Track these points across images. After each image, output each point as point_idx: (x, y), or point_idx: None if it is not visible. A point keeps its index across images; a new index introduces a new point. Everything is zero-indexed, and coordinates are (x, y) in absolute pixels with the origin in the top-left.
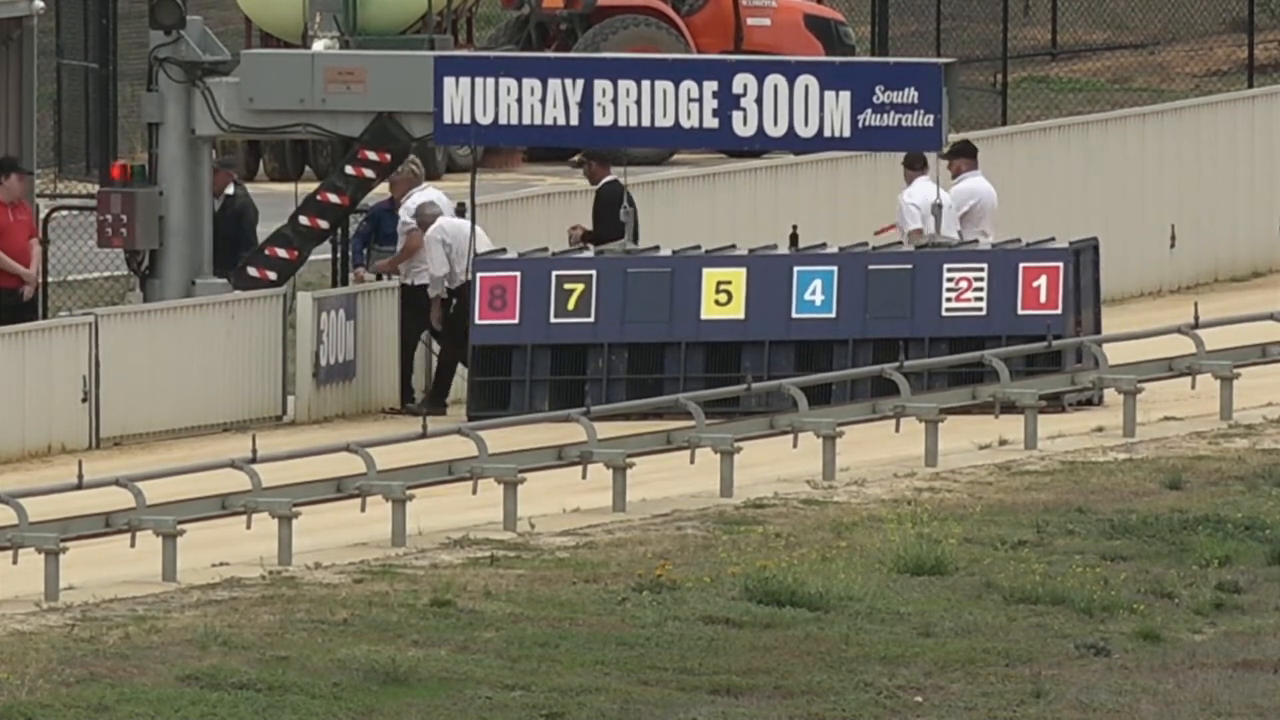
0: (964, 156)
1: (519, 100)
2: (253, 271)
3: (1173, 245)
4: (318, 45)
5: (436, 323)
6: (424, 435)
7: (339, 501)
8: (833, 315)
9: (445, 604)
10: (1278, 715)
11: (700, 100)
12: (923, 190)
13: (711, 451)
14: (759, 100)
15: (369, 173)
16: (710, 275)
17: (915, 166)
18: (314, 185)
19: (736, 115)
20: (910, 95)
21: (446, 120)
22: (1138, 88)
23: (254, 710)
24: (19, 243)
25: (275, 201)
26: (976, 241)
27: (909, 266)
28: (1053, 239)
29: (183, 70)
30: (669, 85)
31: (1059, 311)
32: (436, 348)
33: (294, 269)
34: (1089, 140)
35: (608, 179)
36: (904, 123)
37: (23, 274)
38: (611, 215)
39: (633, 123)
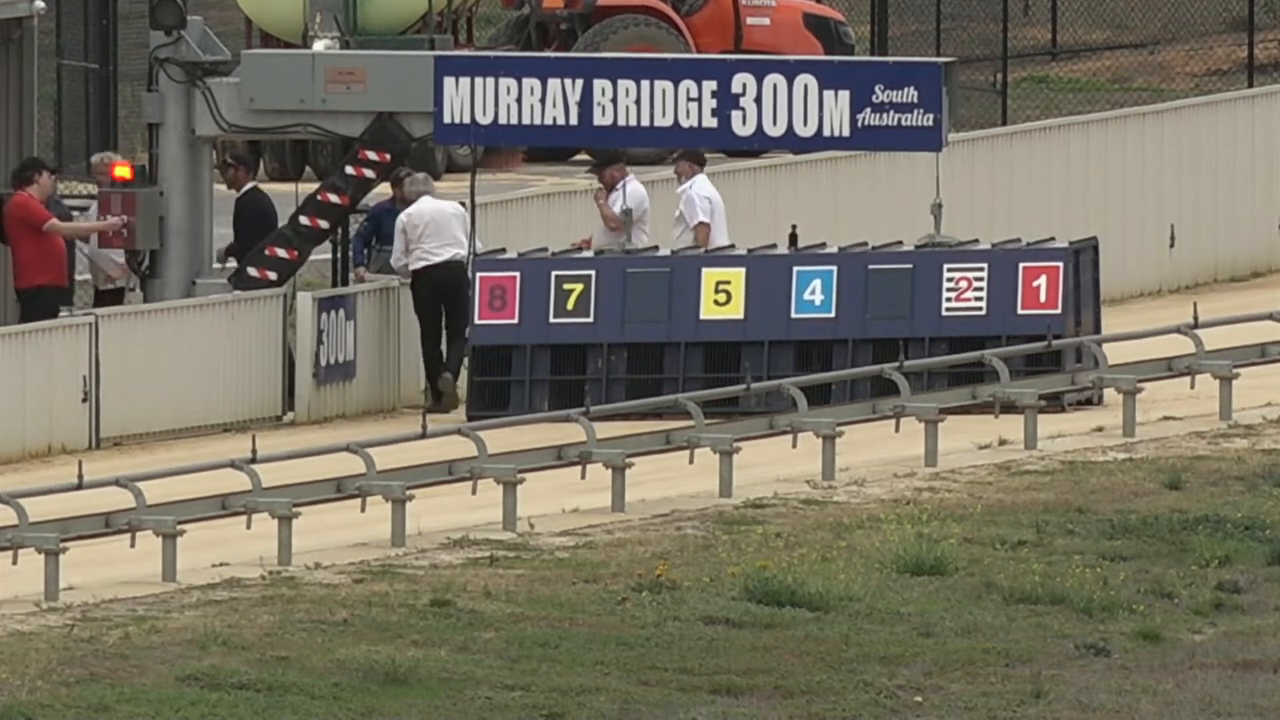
0: (690, 160)
1: (519, 100)
2: (253, 271)
3: (1172, 245)
4: (318, 45)
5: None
6: (424, 435)
7: (339, 502)
8: (832, 315)
9: (445, 604)
10: (1278, 715)
11: (699, 100)
12: (704, 186)
13: (711, 451)
14: (758, 100)
15: (369, 173)
16: (709, 275)
17: (695, 161)
18: (314, 185)
19: (735, 115)
20: (910, 95)
21: (446, 120)
22: (1138, 88)
23: (254, 710)
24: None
25: (275, 202)
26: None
27: (909, 266)
28: (1052, 239)
29: (183, 70)
30: (668, 85)
31: (1059, 311)
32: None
33: (294, 269)
34: (1089, 140)
35: (248, 186)
36: (904, 122)
37: (108, 224)
38: (249, 224)
39: (632, 122)
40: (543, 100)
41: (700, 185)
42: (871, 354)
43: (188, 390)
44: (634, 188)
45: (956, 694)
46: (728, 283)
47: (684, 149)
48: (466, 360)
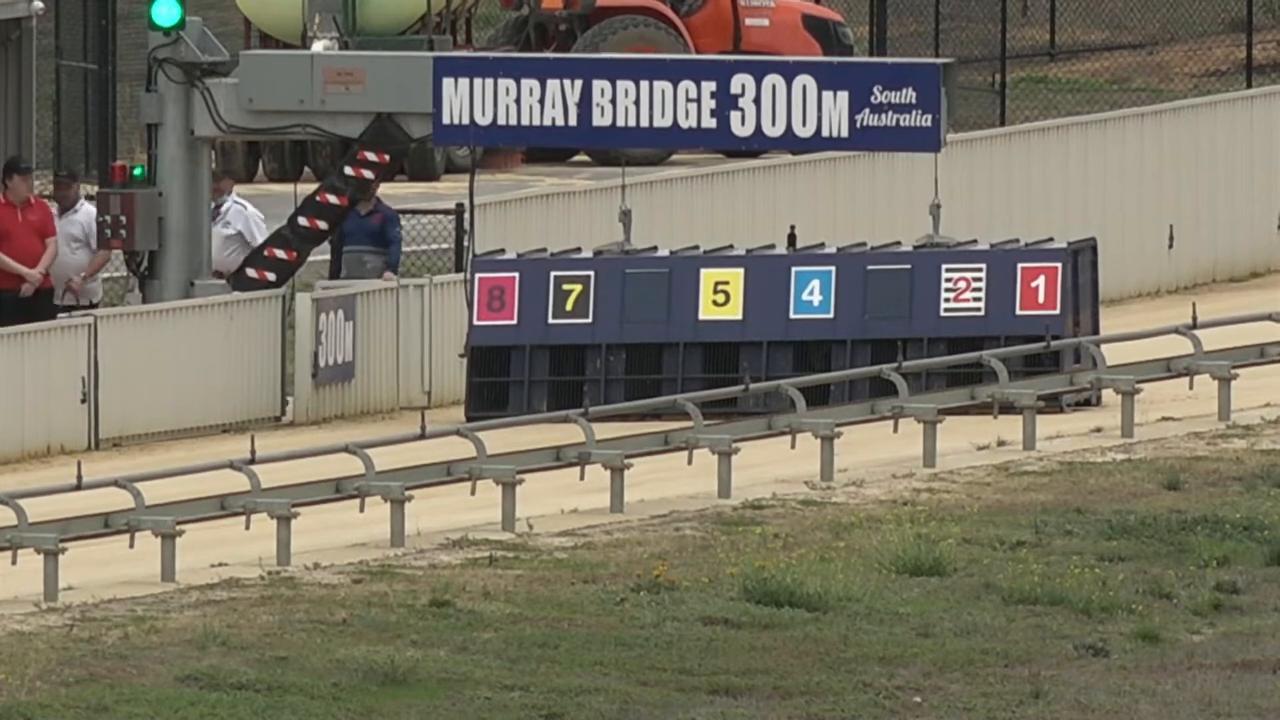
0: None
1: (518, 101)
2: (251, 273)
3: (1171, 245)
4: (317, 46)
5: None
6: (423, 436)
7: (338, 502)
8: (831, 316)
9: (444, 604)
10: (1277, 715)
11: (698, 100)
12: (247, 205)
13: (709, 452)
14: (757, 100)
15: (368, 174)
16: (708, 275)
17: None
18: (313, 186)
19: (734, 115)
20: (908, 95)
21: (445, 121)
22: (1136, 88)
23: (253, 710)
24: (24, 244)
25: (275, 202)
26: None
27: (907, 267)
28: (1051, 239)
29: (182, 71)
30: (667, 85)
31: (1057, 312)
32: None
33: (293, 270)
34: (1088, 140)
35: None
36: (902, 123)
37: (26, 274)
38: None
39: (631, 123)
40: (542, 101)
41: (250, 206)
42: (870, 354)
43: (187, 391)
44: (88, 209)
45: (956, 694)
46: (726, 283)
47: (224, 167)
48: (465, 360)
